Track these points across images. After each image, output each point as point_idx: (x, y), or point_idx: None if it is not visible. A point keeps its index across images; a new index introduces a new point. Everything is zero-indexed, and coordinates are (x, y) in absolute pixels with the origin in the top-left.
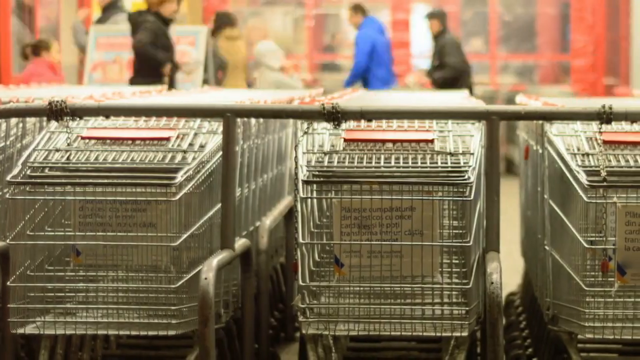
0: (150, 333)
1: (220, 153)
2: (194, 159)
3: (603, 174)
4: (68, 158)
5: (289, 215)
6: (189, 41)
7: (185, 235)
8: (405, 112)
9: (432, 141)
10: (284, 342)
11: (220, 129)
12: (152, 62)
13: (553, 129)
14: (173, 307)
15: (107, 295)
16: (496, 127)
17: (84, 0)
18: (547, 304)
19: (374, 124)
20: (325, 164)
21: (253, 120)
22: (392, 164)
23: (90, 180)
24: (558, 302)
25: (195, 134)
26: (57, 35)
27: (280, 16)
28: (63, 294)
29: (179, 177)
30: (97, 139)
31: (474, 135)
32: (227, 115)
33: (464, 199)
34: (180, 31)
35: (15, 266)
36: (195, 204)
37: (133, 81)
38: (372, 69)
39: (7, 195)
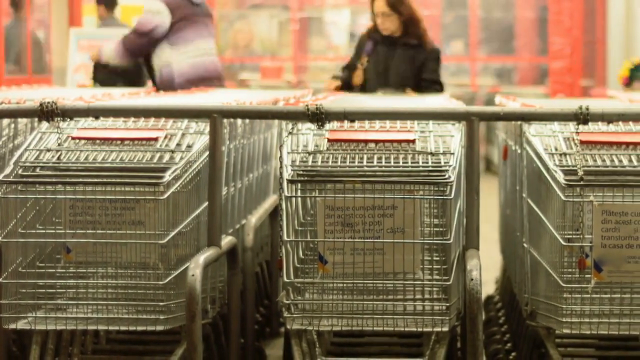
0: (139, 328)
1: (207, 153)
2: (181, 158)
3: (580, 173)
4: (59, 158)
5: (274, 214)
6: None
7: (173, 233)
8: (387, 113)
9: (413, 141)
10: (269, 337)
11: (207, 129)
12: None
13: (531, 130)
14: (161, 303)
15: (97, 292)
16: (476, 127)
17: (75, 3)
18: (525, 299)
19: (356, 124)
20: (310, 163)
21: (239, 121)
22: (375, 163)
23: (81, 180)
24: (536, 298)
25: (183, 135)
26: (48, 38)
27: (266, 19)
28: (54, 290)
29: (167, 176)
30: (87, 139)
31: (454, 136)
32: (214, 116)
33: (445, 197)
34: None
35: (7, 263)
36: (182, 203)
37: None
38: None
39: None
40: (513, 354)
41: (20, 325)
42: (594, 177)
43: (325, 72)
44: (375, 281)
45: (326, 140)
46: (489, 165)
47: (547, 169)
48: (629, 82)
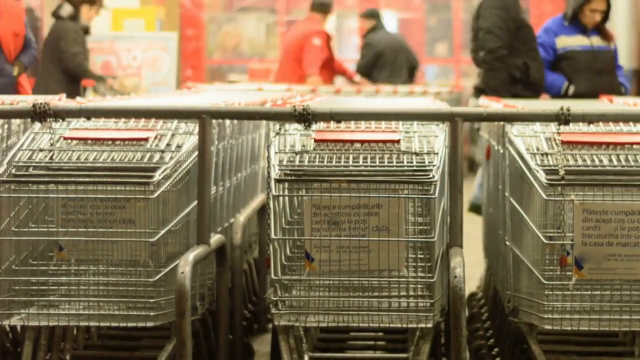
0: (130, 324)
1: (196, 153)
2: (171, 158)
3: (561, 172)
4: (51, 158)
5: (262, 212)
6: (161, 47)
7: (163, 231)
8: (372, 114)
9: (398, 141)
10: (257, 333)
11: (197, 130)
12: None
13: (514, 130)
14: (151, 300)
15: (89, 289)
16: (459, 128)
17: None
18: (508, 296)
19: (342, 125)
20: (297, 163)
21: (228, 122)
22: (360, 163)
23: (73, 179)
24: (518, 295)
25: (173, 135)
26: (41, 39)
27: (254, 22)
28: (46, 287)
29: (157, 175)
30: (79, 139)
31: (438, 136)
32: (203, 117)
33: (429, 196)
34: (152, 37)
35: (0, 261)
36: (172, 202)
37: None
38: None
39: None
40: (496, 349)
41: (14, 321)
42: (575, 177)
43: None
44: (360, 278)
45: (313, 140)
46: (472, 166)
47: (529, 169)
48: None
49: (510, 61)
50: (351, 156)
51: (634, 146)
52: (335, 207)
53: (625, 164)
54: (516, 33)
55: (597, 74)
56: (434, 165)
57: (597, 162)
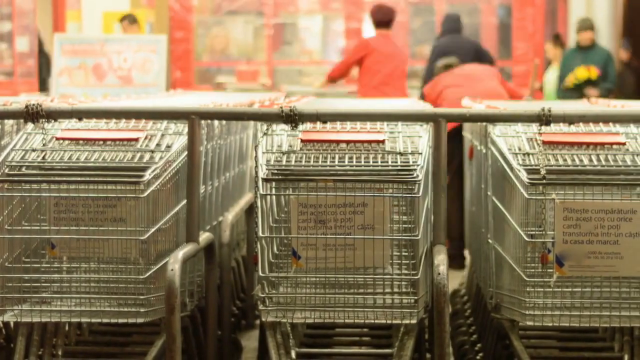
0: (121, 321)
1: (186, 153)
2: (161, 158)
3: (543, 172)
4: (44, 157)
5: (250, 211)
6: (151, 49)
7: (153, 230)
8: (358, 115)
9: (383, 142)
10: (245, 329)
11: (186, 130)
12: None
13: (496, 130)
14: (141, 297)
15: (80, 286)
16: (443, 128)
17: (59, 10)
18: (490, 293)
19: (329, 125)
20: (284, 163)
21: (216, 122)
22: (346, 163)
23: (65, 178)
24: (500, 292)
25: (162, 135)
26: (33, 43)
27: (241, 25)
28: (39, 284)
29: (147, 175)
30: (71, 139)
31: (422, 136)
32: (192, 118)
33: (413, 195)
34: (142, 40)
35: None
36: (162, 200)
37: None
38: None
39: None
40: (478, 345)
41: (7, 317)
42: (556, 176)
43: (300, 76)
44: (346, 275)
45: (299, 140)
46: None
47: (511, 168)
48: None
49: None
50: (337, 156)
51: (614, 146)
52: (321, 206)
53: (605, 164)
54: None
55: None
56: (418, 165)
57: (577, 162)
